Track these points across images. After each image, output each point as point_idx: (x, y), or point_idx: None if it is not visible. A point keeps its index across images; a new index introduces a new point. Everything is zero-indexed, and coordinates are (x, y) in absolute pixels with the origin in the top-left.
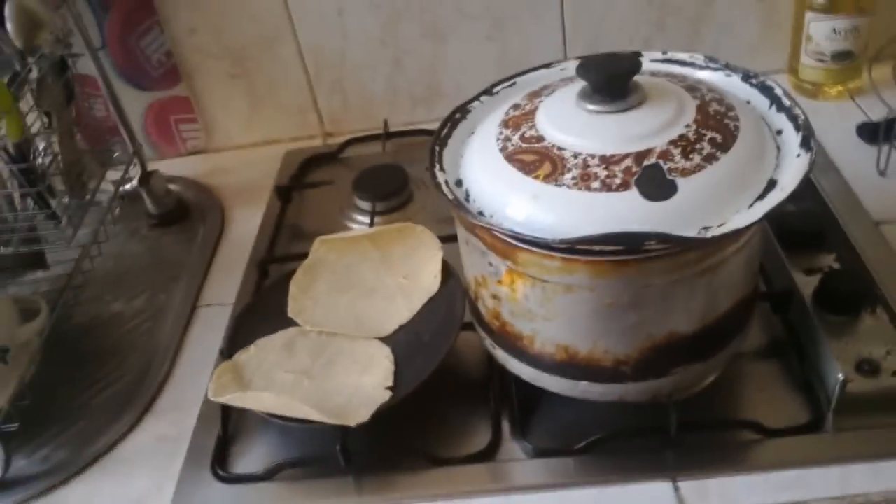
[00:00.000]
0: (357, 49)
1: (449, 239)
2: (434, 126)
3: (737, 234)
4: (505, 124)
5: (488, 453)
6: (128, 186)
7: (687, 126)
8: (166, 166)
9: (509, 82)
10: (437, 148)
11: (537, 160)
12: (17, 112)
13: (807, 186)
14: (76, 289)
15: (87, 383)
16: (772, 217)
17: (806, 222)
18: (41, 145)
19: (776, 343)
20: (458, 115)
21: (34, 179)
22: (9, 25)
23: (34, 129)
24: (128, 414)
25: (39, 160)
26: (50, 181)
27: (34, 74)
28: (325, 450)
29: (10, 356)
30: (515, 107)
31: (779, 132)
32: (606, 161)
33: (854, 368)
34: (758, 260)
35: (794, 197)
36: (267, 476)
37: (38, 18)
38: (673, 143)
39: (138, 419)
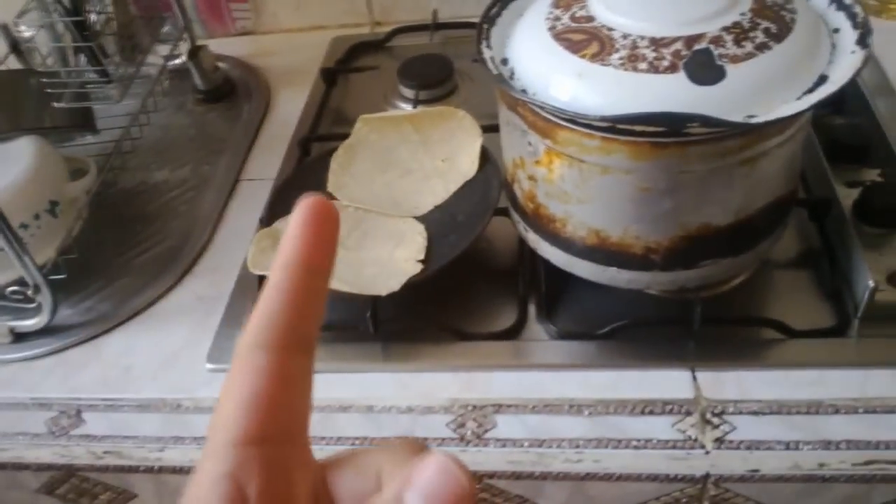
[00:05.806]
0: None
1: (489, 129)
2: None
3: (781, 122)
4: (556, 4)
5: (513, 332)
6: (177, 61)
7: (742, 14)
8: (214, 45)
9: None
10: (486, 26)
11: (586, 39)
12: None
13: (859, 101)
14: (124, 154)
15: (131, 244)
16: (819, 108)
17: (853, 135)
18: (96, 6)
19: (809, 253)
20: None
21: (88, 36)
22: None
23: None
24: (169, 274)
25: (93, 17)
26: (102, 41)
27: None
28: (355, 317)
29: (60, 210)
30: None
31: (835, 31)
32: (656, 43)
33: (885, 279)
34: (800, 161)
35: (843, 95)
36: None
37: None
38: (726, 29)
39: (179, 279)
